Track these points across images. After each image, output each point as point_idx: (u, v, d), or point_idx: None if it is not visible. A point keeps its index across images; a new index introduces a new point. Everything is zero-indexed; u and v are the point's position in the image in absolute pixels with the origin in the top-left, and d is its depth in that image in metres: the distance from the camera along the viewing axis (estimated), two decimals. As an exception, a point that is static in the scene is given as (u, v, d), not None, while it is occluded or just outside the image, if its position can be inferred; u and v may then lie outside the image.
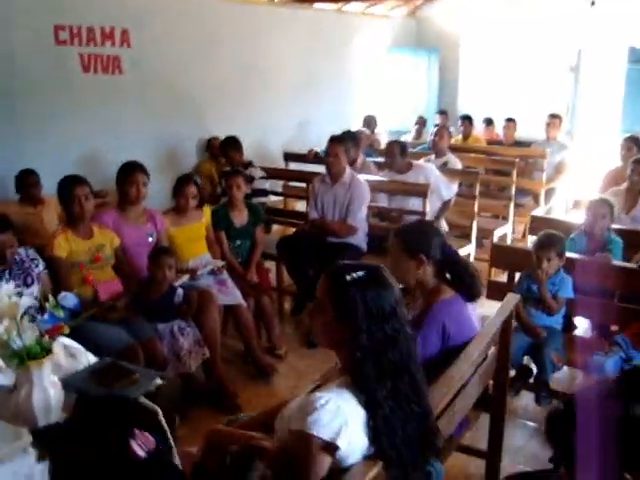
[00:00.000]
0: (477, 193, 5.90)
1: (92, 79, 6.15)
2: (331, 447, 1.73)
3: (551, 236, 3.82)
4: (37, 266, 3.65)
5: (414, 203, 5.32)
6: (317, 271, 4.65)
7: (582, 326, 4.43)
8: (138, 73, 6.51)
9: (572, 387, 4.07)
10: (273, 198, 6.83)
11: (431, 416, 1.94)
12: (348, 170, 5.15)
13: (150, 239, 4.24)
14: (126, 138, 6.31)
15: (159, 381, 2.43)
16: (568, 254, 3.91)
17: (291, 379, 4.38)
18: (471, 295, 2.69)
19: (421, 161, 6.18)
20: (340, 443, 1.73)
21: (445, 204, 5.70)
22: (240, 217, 4.80)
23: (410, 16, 10.69)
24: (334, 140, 5.11)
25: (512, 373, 3.84)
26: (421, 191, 5.14)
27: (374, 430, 1.79)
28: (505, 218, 6.68)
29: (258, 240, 4.88)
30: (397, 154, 5.69)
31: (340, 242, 4.95)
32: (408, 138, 8.69)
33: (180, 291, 3.95)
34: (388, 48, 10.12)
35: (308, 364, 4.53)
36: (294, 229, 5.81)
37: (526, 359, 3.89)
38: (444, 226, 5.79)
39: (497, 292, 3.93)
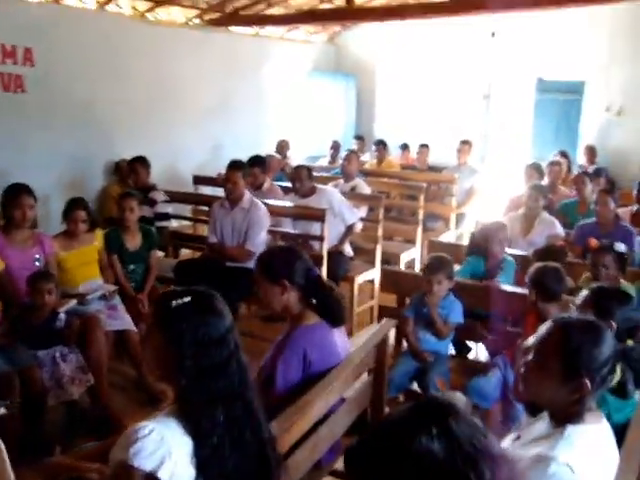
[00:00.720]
0: (381, 217, 5.89)
1: (-9, 97, 6.00)
2: (153, 478, 1.69)
3: (440, 259, 3.85)
4: None
5: (316, 228, 5.28)
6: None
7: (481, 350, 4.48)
8: (43, 92, 6.38)
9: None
10: (183, 222, 6.75)
11: (268, 444, 1.91)
12: (248, 195, 5.11)
13: (37, 263, 4.12)
14: (29, 159, 6.16)
15: (3, 410, 2.34)
16: (458, 279, 3.97)
17: (183, 406, 4.29)
18: (335, 321, 2.68)
19: (329, 185, 6.19)
20: (162, 474, 1.68)
21: (349, 228, 5.70)
22: (133, 241, 4.72)
23: (330, 42, 10.83)
24: (232, 166, 5.06)
25: (400, 398, 3.88)
26: (319, 216, 5.10)
27: (201, 460, 1.75)
28: (414, 242, 6.73)
29: (152, 265, 4.80)
30: (304, 178, 5.69)
31: (239, 267, 4.89)
32: (324, 162, 8.74)
33: (62, 316, 3.84)
34: (309, 72, 10.21)
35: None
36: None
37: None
38: (348, 250, 5.80)
39: (387, 317, 3.94)
